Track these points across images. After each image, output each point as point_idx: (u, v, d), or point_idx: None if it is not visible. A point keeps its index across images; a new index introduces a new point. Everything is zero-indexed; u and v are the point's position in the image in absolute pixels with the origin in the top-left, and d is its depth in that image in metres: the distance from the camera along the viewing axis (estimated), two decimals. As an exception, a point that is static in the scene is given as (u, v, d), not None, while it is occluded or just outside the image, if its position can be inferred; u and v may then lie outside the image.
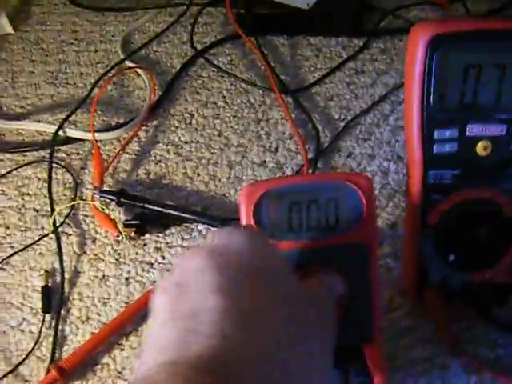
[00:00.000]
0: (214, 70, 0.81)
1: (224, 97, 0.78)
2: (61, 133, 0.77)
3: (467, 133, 0.49)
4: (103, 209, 0.68)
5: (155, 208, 0.66)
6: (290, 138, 0.71)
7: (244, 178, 0.69)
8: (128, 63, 0.84)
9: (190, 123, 0.76)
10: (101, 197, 0.68)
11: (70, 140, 0.77)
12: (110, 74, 0.83)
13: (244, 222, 0.50)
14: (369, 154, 0.70)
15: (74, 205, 0.71)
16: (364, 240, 0.49)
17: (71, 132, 0.77)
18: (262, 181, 0.59)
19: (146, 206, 0.66)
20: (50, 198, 0.71)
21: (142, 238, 0.66)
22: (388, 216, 0.65)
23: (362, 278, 0.49)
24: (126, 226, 0.66)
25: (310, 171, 0.68)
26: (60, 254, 0.66)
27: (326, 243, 0.50)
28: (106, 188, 0.70)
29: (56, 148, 0.76)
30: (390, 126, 0.73)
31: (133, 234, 0.65)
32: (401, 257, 0.60)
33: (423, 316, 0.57)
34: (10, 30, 0.96)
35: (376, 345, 0.49)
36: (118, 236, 0.65)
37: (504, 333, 0.55)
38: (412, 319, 0.57)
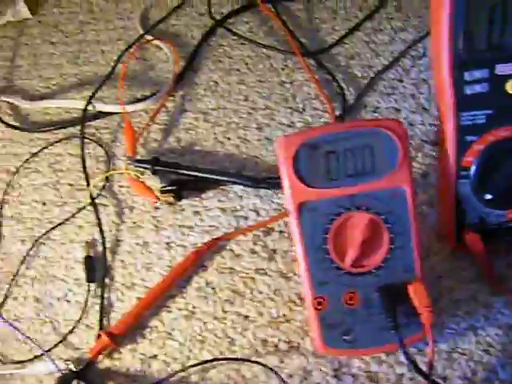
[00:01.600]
0: (235, 38, 0.82)
1: (246, 63, 0.78)
2: (89, 108, 0.78)
3: (496, 72, 0.49)
4: (138, 177, 0.69)
5: (190, 173, 0.67)
6: (316, 98, 0.72)
7: (274, 138, 0.70)
8: (148, 38, 0.85)
9: (216, 90, 0.76)
10: (135, 166, 0.69)
11: (99, 115, 0.78)
12: (131, 50, 0.84)
13: (283, 173, 0.51)
14: (394, 107, 0.71)
15: (108, 176, 0.72)
16: (401, 183, 0.51)
17: (100, 106, 0.78)
18: (298, 132, 0.60)
19: (181, 171, 0.67)
20: (85, 171, 0.72)
21: (180, 203, 0.67)
22: (419, 166, 0.66)
23: (401, 218, 0.51)
24: (162, 192, 0.66)
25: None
26: (99, 223, 0.68)
27: (364, 188, 0.51)
28: (138, 158, 0.71)
29: (86, 124, 0.77)
30: (413, 79, 0.73)
31: (171, 200, 0.66)
32: (437, 202, 0.61)
33: (463, 258, 0.58)
34: (28, 14, 0.96)
35: (420, 282, 0.50)
36: (156, 202, 0.66)
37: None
38: (452, 262, 0.59)
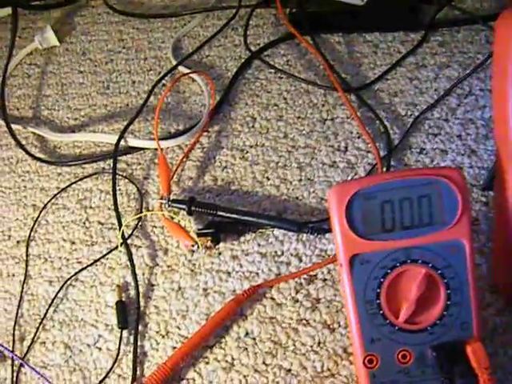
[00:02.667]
0: (272, 71, 0.79)
1: (285, 98, 0.75)
2: (121, 142, 0.75)
3: None
4: (173, 218, 0.66)
5: (228, 215, 0.64)
6: (359, 137, 0.69)
7: (316, 179, 0.67)
8: (181, 69, 0.82)
9: (253, 126, 0.74)
10: (170, 206, 0.66)
11: (130, 150, 0.75)
12: (164, 81, 0.81)
13: (336, 223, 0.49)
14: (441, 149, 0.68)
15: (141, 216, 0.69)
16: (460, 236, 0.48)
17: (132, 141, 0.75)
18: (352, 180, 0.57)
19: (219, 213, 0.64)
20: (116, 209, 0.69)
21: (217, 246, 0.64)
22: (469, 212, 0.63)
23: (459, 274, 0.48)
24: (200, 235, 0.63)
25: (384, 170, 0.66)
26: (132, 266, 0.64)
27: (420, 241, 0.48)
28: (173, 197, 0.68)
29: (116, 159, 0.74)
30: (459, 119, 0.70)
31: (209, 244, 0.63)
32: (492, 252, 0.58)
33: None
34: (55, 42, 0.94)
35: (479, 342, 0.47)
36: (193, 246, 0.63)
37: None
38: (506, 316, 0.55)
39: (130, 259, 0.65)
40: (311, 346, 0.56)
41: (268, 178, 0.68)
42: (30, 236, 0.71)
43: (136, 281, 0.63)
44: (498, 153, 0.50)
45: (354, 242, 0.48)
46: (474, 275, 0.48)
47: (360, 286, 0.49)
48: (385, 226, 0.48)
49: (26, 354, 0.62)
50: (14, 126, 0.83)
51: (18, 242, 0.72)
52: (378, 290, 0.49)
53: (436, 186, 0.48)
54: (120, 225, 0.68)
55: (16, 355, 0.62)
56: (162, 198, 0.67)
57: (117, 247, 0.67)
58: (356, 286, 0.49)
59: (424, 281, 0.48)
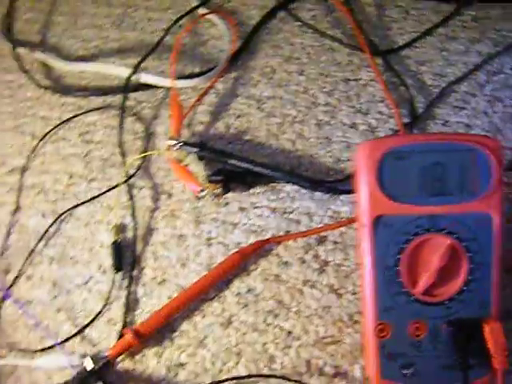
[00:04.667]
0: (297, 24, 0.75)
1: (308, 53, 0.71)
2: (132, 78, 0.71)
3: None
4: (181, 161, 0.62)
5: (240, 164, 0.60)
6: (382, 101, 0.66)
7: (334, 138, 0.63)
8: (203, 11, 0.78)
9: (272, 78, 0.70)
10: (180, 148, 0.62)
11: (141, 87, 0.71)
12: (181, 22, 0.76)
13: (363, 180, 0.46)
14: (465, 123, 0.65)
15: (146, 155, 0.65)
16: (490, 210, 0.46)
17: (145, 77, 0.71)
18: (385, 138, 0.55)
19: (231, 161, 0.60)
20: (121, 146, 0.65)
21: (224, 196, 0.61)
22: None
23: (484, 248, 0.46)
24: (209, 181, 0.60)
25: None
26: (133, 207, 0.61)
27: (448, 210, 0.46)
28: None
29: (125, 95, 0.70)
30: (487, 95, 0.67)
31: (218, 191, 0.60)
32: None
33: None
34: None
35: (497, 322, 0.45)
36: (200, 192, 0.59)
37: None
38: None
39: (131, 199, 0.61)
40: (315, 310, 0.54)
41: (284, 132, 0.65)
42: (24, 165, 0.68)
43: (135, 221, 0.60)
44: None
45: (381, 202, 0.46)
46: (499, 252, 0.46)
47: (380, 250, 0.46)
48: (413, 190, 0.46)
49: (9, 288, 0.59)
50: (18, 50, 0.79)
51: (11, 169, 0.68)
52: (399, 256, 0.46)
53: (472, 154, 0.45)
54: (124, 162, 0.64)
55: None
56: (171, 139, 0.63)
57: (118, 185, 0.63)
58: (377, 249, 0.46)
59: (447, 252, 0.46)
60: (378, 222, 0.46)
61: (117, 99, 0.72)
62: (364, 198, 0.46)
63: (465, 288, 0.46)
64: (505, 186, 0.46)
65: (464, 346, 0.45)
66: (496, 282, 0.46)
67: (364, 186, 0.46)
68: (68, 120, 0.71)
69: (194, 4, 0.77)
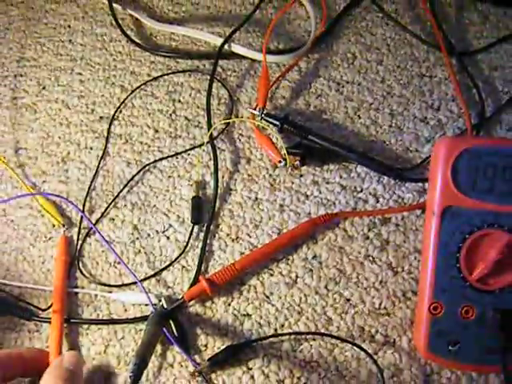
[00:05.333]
0: (379, 15, 0.79)
1: (388, 45, 0.76)
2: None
3: None
4: (264, 129, 0.67)
5: (318, 141, 0.65)
6: (453, 100, 0.70)
7: (405, 129, 0.68)
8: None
9: (353, 64, 0.74)
10: (263, 118, 0.67)
11: (229, 56, 0.76)
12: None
13: (439, 171, 0.51)
14: (530, 131, 0.69)
15: (231, 121, 0.70)
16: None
17: (236, 47, 0.75)
18: (465, 137, 0.59)
19: (310, 137, 0.65)
20: (208, 109, 0.70)
21: (301, 168, 0.66)
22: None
23: None
24: (290, 153, 0.65)
25: (474, 136, 0.67)
26: (215, 165, 0.66)
27: (511, 209, 0.51)
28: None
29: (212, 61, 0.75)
30: (554, 105, 0.71)
31: (297, 163, 0.65)
32: None
33: None
34: None
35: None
36: (280, 162, 0.64)
37: None
38: None
39: (214, 159, 0.66)
40: (373, 283, 0.59)
41: (359, 117, 0.69)
42: (114, 115, 0.73)
43: (216, 180, 0.65)
44: None
45: (452, 194, 0.51)
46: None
47: (445, 236, 0.51)
48: (483, 187, 0.51)
49: (94, 225, 0.64)
50: (114, 5, 0.82)
51: (101, 117, 0.73)
52: (461, 245, 0.51)
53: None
54: (210, 124, 0.69)
55: (88, 219, 0.64)
56: (255, 109, 0.68)
57: (202, 144, 0.68)
58: (442, 235, 0.51)
59: (505, 247, 0.50)
60: (447, 211, 0.51)
61: (204, 64, 0.76)
62: (437, 188, 0.51)
63: (515, 282, 0.51)
64: None
65: (507, 331, 0.50)
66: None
67: (439, 177, 0.51)
68: (157, 78, 0.75)
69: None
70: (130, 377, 0.48)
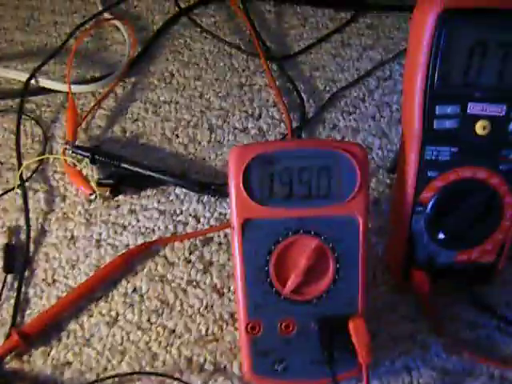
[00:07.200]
0: (197, 30, 0.77)
1: (206, 58, 0.74)
2: (32, 82, 0.72)
3: (468, 111, 0.48)
4: (75, 165, 0.64)
5: (131, 168, 0.62)
6: (274, 106, 0.69)
7: (225, 142, 0.66)
8: (106, 16, 0.79)
9: (170, 83, 0.72)
10: (73, 152, 0.64)
11: (41, 91, 0.73)
12: (87, 26, 0.78)
13: (232, 184, 0.48)
14: (353, 127, 0.68)
15: (42, 159, 0.67)
16: (355, 212, 0.48)
17: (44, 82, 0.72)
18: (253, 143, 0.57)
19: (122, 165, 0.62)
20: (18, 150, 0.67)
21: (116, 198, 0.63)
22: (371, 192, 0.63)
23: (350, 249, 0.48)
24: (99, 185, 0.62)
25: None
26: (26, 210, 0.62)
27: (315, 213, 0.48)
28: (78, 144, 0.66)
29: (26, 98, 0.72)
30: (375, 101, 0.71)
31: (107, 194, 0.62)
32: (388, 234, 0.58)
33: (406, 293, 0.55)
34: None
35: (361, 319, 0.48)
36: (91, 195, 0.61)
37: (484, 313, 0.54)
38: (395, 296, 0.56)
39: (25, 201, 0.63)
40: (198, 309, 0.56)
41: (177, 136, 0.67)
42: None
43: (28, 225, 0.61)
44: (403, 134, 0.51)
45: (249, 206, 0.48)
46: (366, 253, 0.48)
47: (250, 251, 0.49)
48: (281, 194, 0.48)
49: None
50: None
51: None
52: (268, 257, 0.49)
53: (336, 159, 0.48)
54: (20, 165, 0.66)
55: None
56: (66, 144, 0.65)
57: (13, 188, 0.64)
58: (246, 250, 0.49)
59: (314, 252, 0.48)
60: (246, 224, 0.48)
61: (17, 103, 0.72)
62: (232, 201, 0.49)
63: (332, 287, 0.48)
64: (368, 189, 0.49)
65: (329, 342, 0.48)
66: (362, 281, 0.49)
67: (232, 190, 0.48)
68: (-33, 123, 0.72)
69: (100, 9, 0.79)
70: None
